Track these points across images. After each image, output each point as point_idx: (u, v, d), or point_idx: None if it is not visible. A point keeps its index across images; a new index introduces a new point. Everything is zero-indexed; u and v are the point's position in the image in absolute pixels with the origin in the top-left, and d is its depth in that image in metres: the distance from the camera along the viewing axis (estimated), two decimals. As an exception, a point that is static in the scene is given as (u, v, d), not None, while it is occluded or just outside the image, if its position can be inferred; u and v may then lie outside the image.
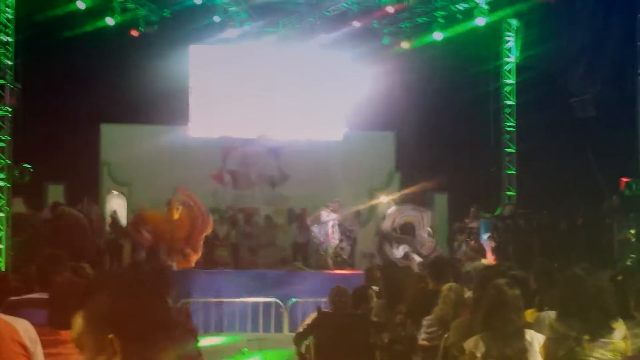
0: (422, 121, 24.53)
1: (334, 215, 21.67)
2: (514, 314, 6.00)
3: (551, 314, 6.49)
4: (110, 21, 22.81)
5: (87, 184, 23.81)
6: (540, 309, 7.35)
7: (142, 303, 2.80)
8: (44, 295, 6.23)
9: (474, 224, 22.37)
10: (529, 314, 7.14)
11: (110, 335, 2.67)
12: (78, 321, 2.67)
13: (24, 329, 4.73)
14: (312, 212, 23.02)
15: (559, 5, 22.06)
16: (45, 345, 4.93)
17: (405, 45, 24.89)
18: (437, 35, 24.23)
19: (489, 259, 20.92)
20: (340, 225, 21.90)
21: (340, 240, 22.01)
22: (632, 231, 20.69)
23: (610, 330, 5.86)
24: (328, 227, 21.56)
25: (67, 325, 5.57)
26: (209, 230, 20.67)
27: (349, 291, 10.51)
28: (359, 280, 13.16)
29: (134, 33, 23.68)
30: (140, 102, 23.44)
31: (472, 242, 21.45)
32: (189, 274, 18.87)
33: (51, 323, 5.63)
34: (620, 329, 5.93)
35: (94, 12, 22.39)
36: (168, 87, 23.88)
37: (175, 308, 6.92)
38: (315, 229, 21.63)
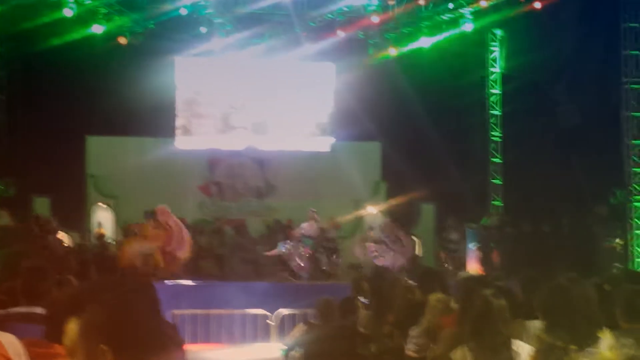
0: (408, 131, 24.54)
1: (305, 225, 21.62)
2: (501, 324, 6.00)
3: (537, 324, 6.49)
4: (97, 29, 22.74)
5: (73, 197, 23.72)
6: (527, 319, 7.34)
7: (135, 314, 2.80)
8: (30, 309, 6.19)
9: (454, 236, 22.36)
10: (517, 325, 7.14)
11: (103, 346, 2.66)
12: (71, 331, 2.66)
13: (9, 342, 4.69)
14: (298, 223, 22.99)
15: (544, 15, 22.16)
16: (40, 359, 4.89)
17: (392, 51, 24.94)
18: (424, 42, 24.30)
19: (476, 269, 20.96)
20: (317, 236, 21.77)
21: (315, 252, 21.86)
22: (618, 240, 20.79)
23: (596, 339, 5.86)
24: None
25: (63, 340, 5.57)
26: (185, 252, 20.35)
27: (336, 302, 10.49)
28: (346, 292, 13.13)
29: (122, 40, 23.62)
30: (126, 114, 23.38)
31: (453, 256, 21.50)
32: (177, 286, 18.82)
33: (48, 337, 5.60)
34: (607, 338, 5.93)
35: (79, 22, 22.34)
36: (154, 98, 23.83)
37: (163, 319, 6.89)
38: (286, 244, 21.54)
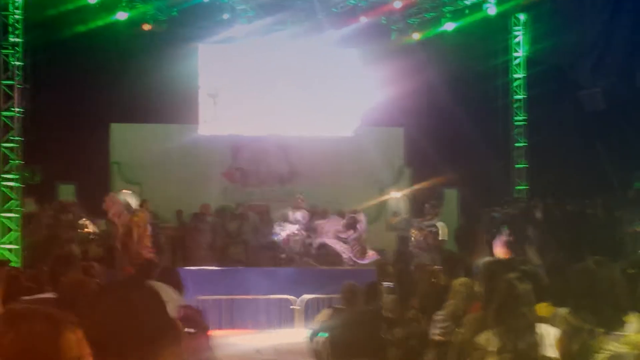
0: (431, 117, 24.49)
1: (299, 214, 21.61)
2: (526, 307, 6.00)
3: (564, 309, 6.47)
4: (121, 16, 22.77)
5: (97, 184, 23.83)
6: (552, 303, 7.33)
7: (135, 312, 2.87)
8: (55, 295, 6.26)
9: (431, 221, 22.16)
10: (543, 308, 7.12)
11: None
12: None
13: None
14: (321, 208, 23.03)
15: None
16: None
17: (415, 36, 24.87)
18: (448, 26, 24.22)
19: (501, 253, 20.90)
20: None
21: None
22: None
23: (623, 323, 5.84)
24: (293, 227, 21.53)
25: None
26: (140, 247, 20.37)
27: (361, 287, 10.52)
28: (371, 276, 13.15)
29: (145, 28, 23.65)
30: (149, 101, 23.47)
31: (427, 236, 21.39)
32: (201, 272, 18.90)
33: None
34: (634, 322, 5.91)
35: (103, 10, 22.39)
36: (177, 86, 23.90)
37: (187, 306, 6.93)
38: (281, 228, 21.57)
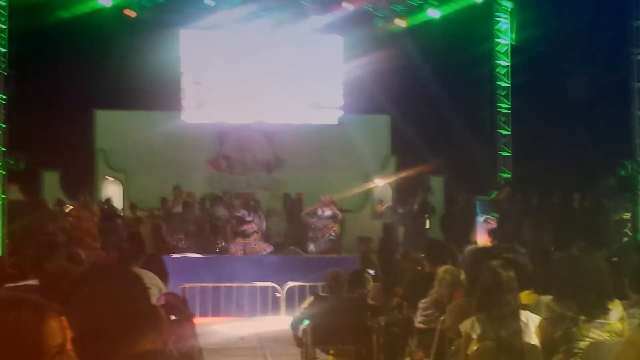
0: (417, 104, 24.46)
1: (328, 211, 21.66)
2: (509, 295, 6.01)
3: (549, 297, 6.50)
4: (106, 2, 22.63)
5: (82, 171, 23.77)
6: (536, 290, 7.36)
7: (118, 300, 2.87)
8: (37, 282, 6.23)
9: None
10: (526, 296, 7.15)
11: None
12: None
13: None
14: (308, 196, 23.02)
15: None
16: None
17: (400, 23, 24.81)
18: (434, 13, 24.18)
19: (484, 241, 20.98)
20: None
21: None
22: (627, 212, 20.76)
23: (606, 310, 5.87)
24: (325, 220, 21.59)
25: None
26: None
27: (345, 275, 10.52)
28: (355, 264, 13.16)
29: (130, 13, 23.52)
30: (134, 87, 23.36)
31: None
32: (186, 260, 18.88)
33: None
34: (616, 309, 5.94)
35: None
36: (162, 72, 23.82)
37: (170, 294, 6.93)
38: (314, 219, 21.62)
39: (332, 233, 21.54)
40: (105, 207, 22.19)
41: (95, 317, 2.82)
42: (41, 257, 7.06)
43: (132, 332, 2.85)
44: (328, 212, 21.44)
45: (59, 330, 2.53)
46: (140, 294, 2.99)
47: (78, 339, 2.64)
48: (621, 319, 5.97)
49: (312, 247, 21.20)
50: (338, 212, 21.67)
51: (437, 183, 25.25)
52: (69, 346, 2.55)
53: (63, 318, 2.56)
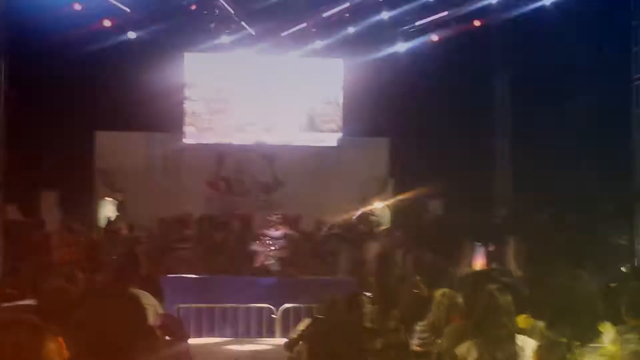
0: (417, 128, 24.50)
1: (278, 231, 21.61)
2: (506, 318, 6.01)
3: (543, 324, 6.50)
4: (107, 23, 22.69)
5: (81, 191, 23.78)
6: (532, 314, 7.36)
7: (118, 319, 2.86)
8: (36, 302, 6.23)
9: None
10: (522, 320, 7.15)
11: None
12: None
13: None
14: (306, 218, 23.04)
15: (553, 10, 22.09)
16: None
17: (402, 46, 24.87)
18: (434, 37, 24.26)
19: (481, 265, 20.95)
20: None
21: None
22: (625, 238, 20.75)
23: (598, 333, 5.87)
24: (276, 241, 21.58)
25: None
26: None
27: (342, 297, 10.52)
28: (352, 286, 13.17)
29: (131, 35, 23.57)
30: (135, 109, 23.39)
31: None
32: (182, 280, 18.86)
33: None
34: (608, 332, 5.93)
35: (89, 17, 22.32)
36: (163, 94, 23.86)
37: (166, 314, 6.93)
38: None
39: (279, 254, 21.46)
40: (106, 226, 22.24)
41: (93, 337, 2.83)
42: (38, 277, 7.07)
43: (129, 352, 2.86)
44: (277, 233, 21.43)
45: (57, 352, 2.54)
46: (137, 314, 3.00)
47: (75, 358, 2.65)
48: (614, 342, 5.97)
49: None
50: (291, 232, 21.66)
51: (436, 206, 25.23)
52: None
53: (60, 339, 2.56)
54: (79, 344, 2.77)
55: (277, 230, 21.45)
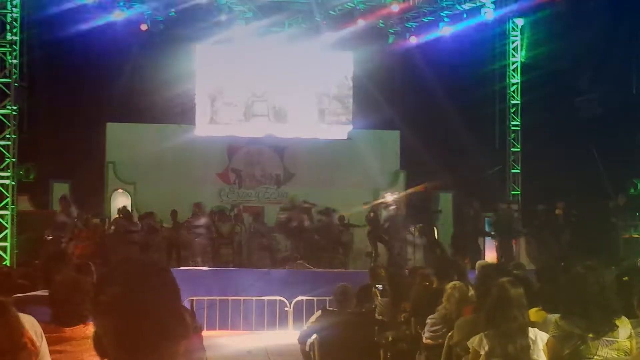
0: (427, 120, 24.51)
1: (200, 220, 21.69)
2: (517, 311, 6.00)
3: (557, 315, 6.49)
4: (118, 16, 22.70)
5: (92, 183, 23.84)
6: (543, 307, 7.35)
7: (149, 299, 2.65)
8: (46, 293, 6.25)
9: None
10: (534, 313, 7.14)
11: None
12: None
13: (31, 324, 4.75)
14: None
15: (566, 5, 22.04)
16: (49, 342, 4.95)
17: (413, 40, 24.83)
18: (446, 30, 24.20)
19: (493, 258, 20.96)
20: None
21: None
22: (636, 231, 20.72)
23: (613, 327, 5.86)
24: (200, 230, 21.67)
25: (70, 323, 5.62)
26: None
27: (354, 289, 10.52)
28: (364, 279, 13.16)
29: (142, 27, 23.59)
30: (146, 101, 23.46)
31: None
32: (195, 272, 18.88)
33: (54, 320, 5.66)
34: (625, 327, 5.92)
35: (101, 9, 22.36)
36: (174, 86, 23.91)
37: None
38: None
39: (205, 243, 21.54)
40: (120, 216, 22.26)
41: (127, 319, 2.64)
42: (51, 268, 7.09)
43: (170, 332, 2.69)
44: (201, 221, 21.46)
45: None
46: (176, 290, 2.81)
47: (114, 338, 2.57)
48: (629, 337, 5.95)
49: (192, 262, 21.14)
50: (211, 222, 21.71)
51: (446, 199, 25.22)
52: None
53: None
54: (116, 323, 2.62)
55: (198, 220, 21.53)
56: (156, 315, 2.59)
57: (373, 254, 21.69)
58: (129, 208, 23.93)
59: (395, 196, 22.11)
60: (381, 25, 25.02)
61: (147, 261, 2.95)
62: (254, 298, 17.97)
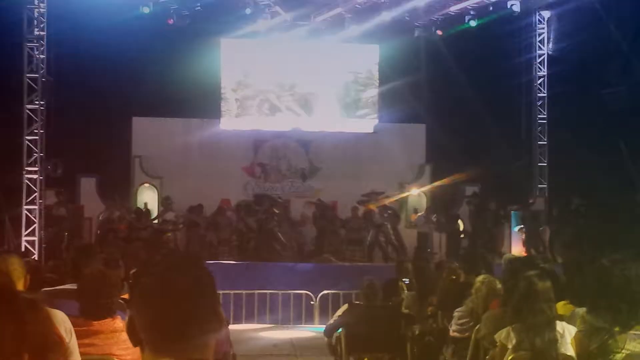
0: (453, 114, 24.43)
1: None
2: (545, 304, 5.99)
3: (583, 309, 6.46)
4: (145, 9, 22.74)
5: (119, 177, 23.95)
6: (570, 301, 7.32)
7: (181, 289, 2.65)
8: (75, 287, 6.29)
9: None
10: (562, 306, 7.12)
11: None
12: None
13: (60, 319, 4.78)
14: (342, 205, 23.11)
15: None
16: (78, 335, 4.98)
17: (439, 32, 24.73)
18: (471, 24, 24.07)
19: (520, 251, 20.89)
20: None
21: None
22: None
23: None
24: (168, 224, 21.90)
25: (99, 316, 5.66)
26: None
27: (380, 283, 10.52)
28: (390, 273, 13.16)
29: (169, 21, 23.63)
30: (172, 95, 23.49)
31: None
32: (221, 266, 18.94)
33: (83, 314, 5.70)
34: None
35: (126, 3, 22.42)
36: (200, 80, 23.96)
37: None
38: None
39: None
40: (144, 210, 22.43)
41: (170, 304, 2.63)
42: (79, 262, 7.13)
43: (204, 324, 2.69)
44: (169, 216, 21.61)
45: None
46: (212, 282, 2.81)
47: (149, 323, 2.57)
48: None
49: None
50: (179, 216, 21.85)
51: (472, 192, 25.14)
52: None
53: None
54: (154, 308, 2.62)
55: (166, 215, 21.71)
56: (193, 306, 2.62)
57: (397, 250, 21.73)
58: (155, 202, 24.08)
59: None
60: (407, 18, 24.94)
61: (188, 253, 2.98)
62: (280, 292, 18.02)
